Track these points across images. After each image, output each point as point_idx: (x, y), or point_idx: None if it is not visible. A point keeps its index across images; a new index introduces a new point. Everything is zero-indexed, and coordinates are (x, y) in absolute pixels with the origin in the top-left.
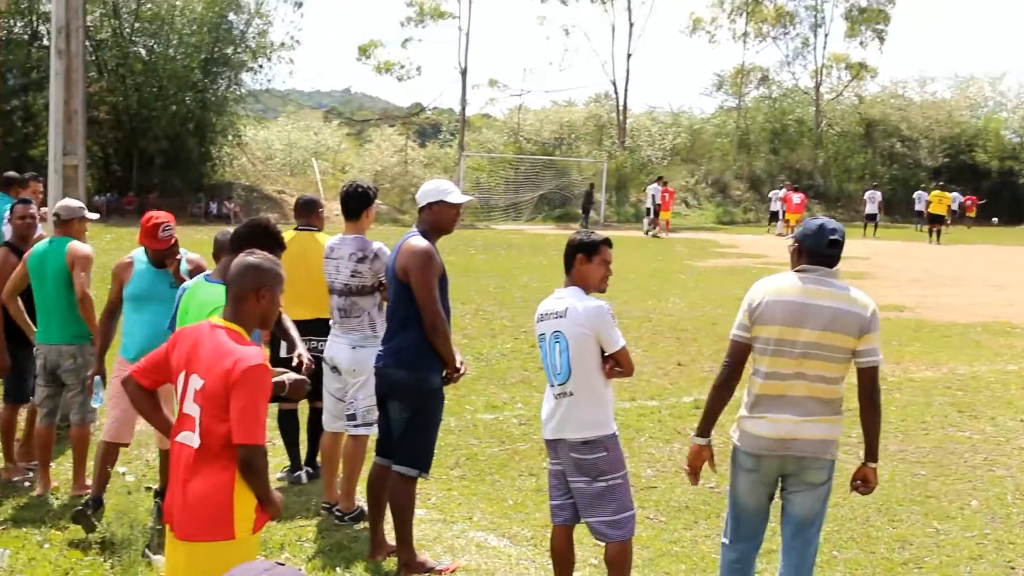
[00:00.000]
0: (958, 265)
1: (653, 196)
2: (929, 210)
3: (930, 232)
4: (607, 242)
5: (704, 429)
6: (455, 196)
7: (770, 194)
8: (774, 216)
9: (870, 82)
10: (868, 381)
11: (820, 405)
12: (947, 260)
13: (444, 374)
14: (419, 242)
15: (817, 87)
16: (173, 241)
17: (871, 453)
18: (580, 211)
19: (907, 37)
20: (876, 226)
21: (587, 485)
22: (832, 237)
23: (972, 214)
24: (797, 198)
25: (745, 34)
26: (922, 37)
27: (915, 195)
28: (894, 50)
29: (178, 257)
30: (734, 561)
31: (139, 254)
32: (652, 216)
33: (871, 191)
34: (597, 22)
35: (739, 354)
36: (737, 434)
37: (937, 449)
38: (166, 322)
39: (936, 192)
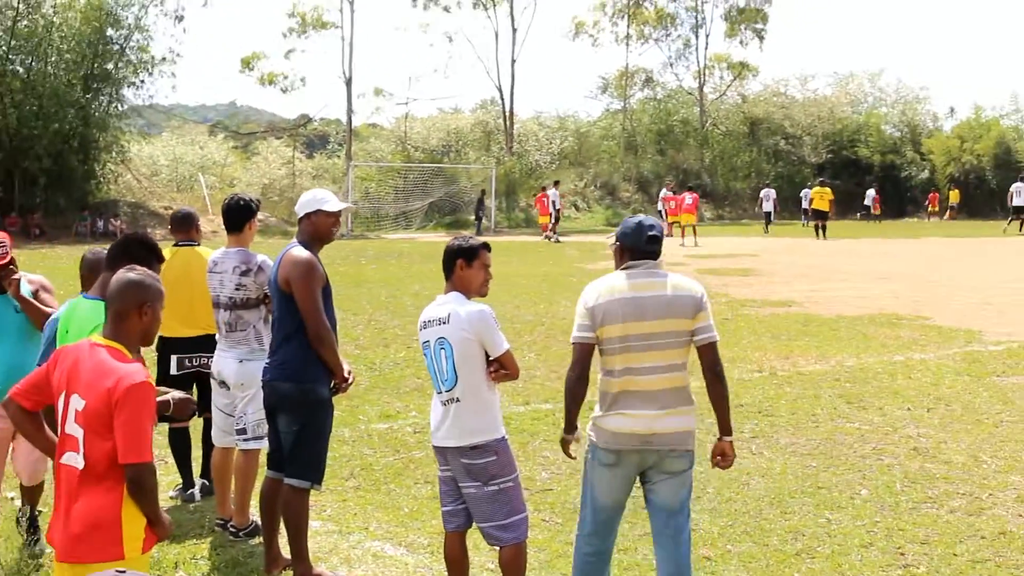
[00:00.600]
0: (845, 259)
1: (553, 202)
2: (812, 206)
3: (816, 228)
4: (486, 246)
5: (570, 426)
6: (331, 204)
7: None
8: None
9: (752, 81)
10: (710, 356)
11: (675, 395)
12: (834, 255)
13: (332, 385)
14: (300, 253)
15: (701, 87)
16: (7, 260)
17: (724, 427)
18: (473, 218)
19: (787, 36)
20: (770, 223)
21: (478, 490)
22: (651, 233)
23: (878, 211)
24: (690, 199)
25: (627, 37)
26: (802, 35)
27: (802, 193)
28: (775, 49)
29: (15, 277)
30: (589, 555)
31: None
32: (554, 221)
33: (766, 189)
34: (480, 28)
35: (585, 356)
36: (595, 433)
37: (827, 441)
38: (15, 353)
39: (817, 188)
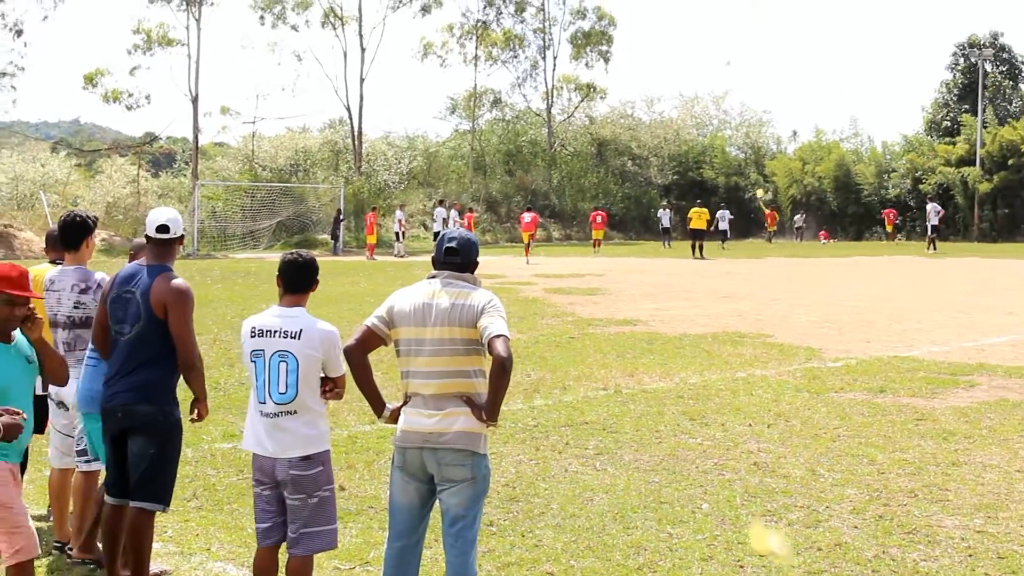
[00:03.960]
0: (691, 278)
1: (444, 219)
2: (690, 226)
3: (692, 245)
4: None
5: (376, 408)
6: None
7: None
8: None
9: (600, 103)
10: (495, 350)
11: (454, 398)
12: (680, 274)
13: (196, 411)
14: (179, 281)
15: (549, 108)
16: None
17: (488, 411)
18: (326, 236)
19: (634, 58)
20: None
21: (303, 502)
22: (449, 245)
23: (773, 229)
24: (528, 217)
25: (476, 58)
26: (648, 58)
27: (659, 214)
28: (622, 71)
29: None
30: (393, 556)
31: None
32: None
33: (721, 211)
34: (329, 47)
35: (367, 335)
36: (395, 434)
37: (670, 456)
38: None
39: (695, 208)
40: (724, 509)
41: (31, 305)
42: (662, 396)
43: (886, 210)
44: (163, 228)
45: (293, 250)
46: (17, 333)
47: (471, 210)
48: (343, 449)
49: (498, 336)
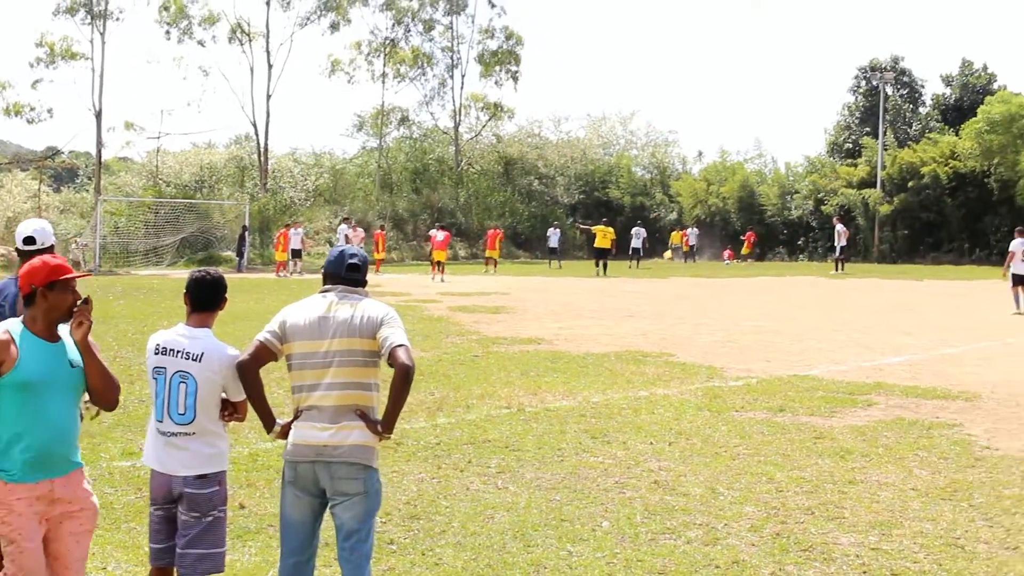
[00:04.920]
0: (595, 297)
1: (346, 236)
2: (595, 244)
3: (596, 264)
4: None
5: (267, 424)
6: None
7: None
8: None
9: (507, 122)
10: (401, 358)
11: (350, 411)
12: (584, 293)
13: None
14: None
15: (456, 127)
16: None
17: (389, 422)
18: (231, 254)
19: (541, 78)
20: (639, 260)
21: (197, 520)
22: (351, 262)
23: (747, 251)
24: (440, 235)
25: (384, 75)
26: (556, 77)
27: (548, 232)
28: (530, 90)
29: (87, 320)
30: (288, 573)
31: None
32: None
33: (636, 228)
34: (236, 63)
35: (261, 351)
36: (285, 450)
37: (571, 475)
38: (66, 415)
39: (600, 227)
40: (624, 527)
41: (78, 293)
42: (565, 415)
43: (748, 232)
44: (29, 240)
45: (201, 268)
46: (66, 335)
47: (381, 228)
48: (244, 467)
49: (400, 346)
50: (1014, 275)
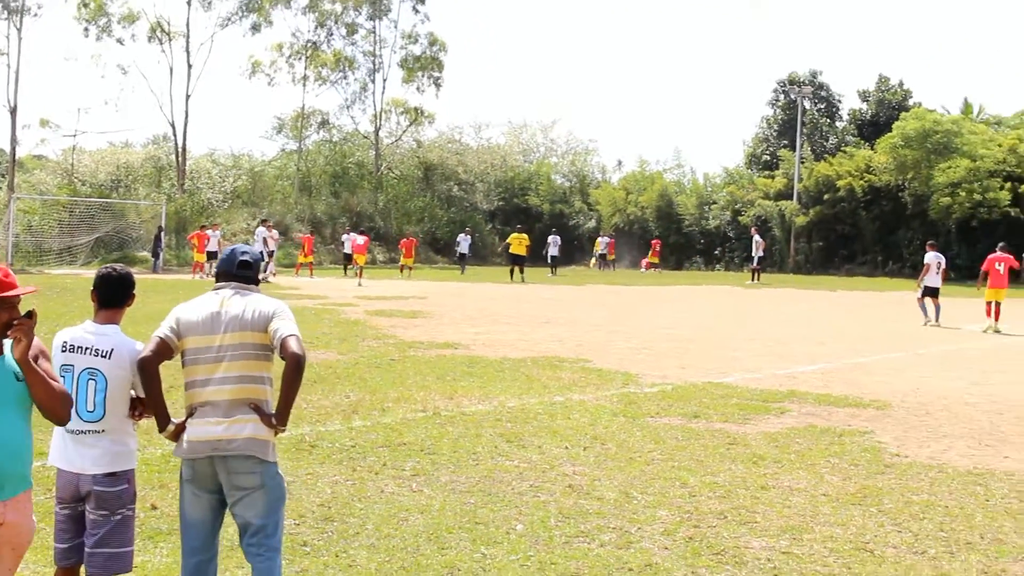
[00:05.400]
0: (512, 303)
1: (264, 238)
2: (511, 251)
3: (512, 270)
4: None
5: (161, 423)
6: None
7: (343, 238)
8: (348, 258)
9: (428, 127)
10: (292, 347)
11: (244, 406)
12: (502, 298)
13: None
14: None
15: (377, 131)
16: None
17: (283, 413)
18: (147, 254)
19: (463, 84)
20: (555, 268)
21: (105, 519)
22: (242, 259)
23: (653, 258)
24: (361, 239)
25: (305, 78)
26: (478, 84)
27: (458, 238)
28: (451, 96)
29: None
30: (190, 572)
31: None
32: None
33: (552, 236)
34: (155, 63)
35: (160, 347)
36: (178, 448)
37: (486, 478)
38: (13, 430)
39: (516, 234)
40: (538, 530)
41: (19, 309)
42: (480, 419)
43: (653, 240)
44: None
45: (108, 264)
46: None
47: (312, 232)
48: (156, 468)
49: (290, 335)
50: (927, 287)
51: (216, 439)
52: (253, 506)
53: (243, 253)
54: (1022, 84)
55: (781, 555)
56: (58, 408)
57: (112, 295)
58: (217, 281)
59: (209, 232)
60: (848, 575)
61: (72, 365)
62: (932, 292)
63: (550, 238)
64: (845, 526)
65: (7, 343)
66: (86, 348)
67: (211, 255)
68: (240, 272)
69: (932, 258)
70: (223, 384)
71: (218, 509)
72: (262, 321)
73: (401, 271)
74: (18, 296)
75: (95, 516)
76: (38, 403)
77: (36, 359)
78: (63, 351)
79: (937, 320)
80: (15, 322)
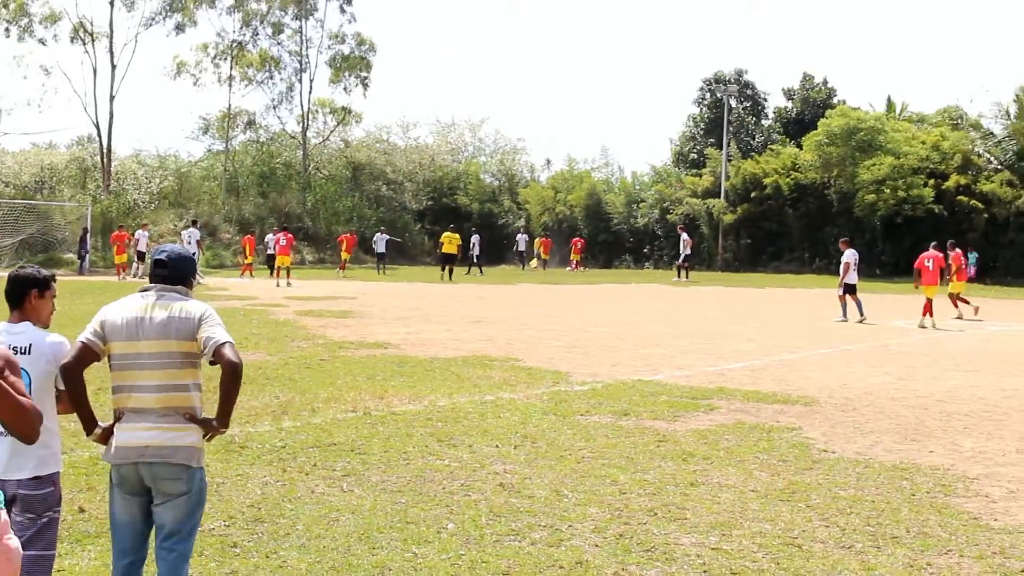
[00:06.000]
0: (443, 302)
1: (198, 240)
2: (442, 250)
3: (442, 269)
4: (54, 278)
5: (88, 427)
6: None
7: (266, 239)
8: (270, 259)
9: (356, 127)
10: (227, 355)
11: (172, 412)
12: (432, 298)
13: None
14: None
15: (304, 131)
16: None
17: (219, 417)
18: (72, 255)
19: (390, 83)
20: (481, 267)
21: (32, 522)
22: (158, 258)
23: (575, 256)
24: (284, 240)
25: (231, 78)
26: (405, 83)
27: (374, 238)
28: (378, 95)
29: None
30: (121, 574)
31: None
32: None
33: (474, 236)
34: (78, 63)
35: (84, 353)
36: (106, 453)
37: (417, 478)
38: None
39: (447, 234)
40: (469, 528)
41: None
42: (411, 418)
43: (575, 239)
44: None
45: (28, 265)
46: None
47: (251, 233)
48: (83, 471)
49: (224, 343)
50: (847, 285)
51: (144, 445)
52: (175, 509)
53: (160, 252)
54: (944, 82)
55: (711, 551)
56: (27, 426)
57: (13, 293)
58: (148, 281)
59: (139, 233)
60: (777, 570)
61: None
62: (852, 289)
63: (472, 238)
64: (774, 522)
65: None
66: (8, 348)
67: (140, 255)
68: (156, 271)
69: (851, 255)
70: (148, 392)
71: (147, 511)
72: (187, 329)
73: (342, 269)
74: None
75: (22, 519)
76: (3, 422)
77: (2, 372)
78: None
79: (862, 315)
80: None
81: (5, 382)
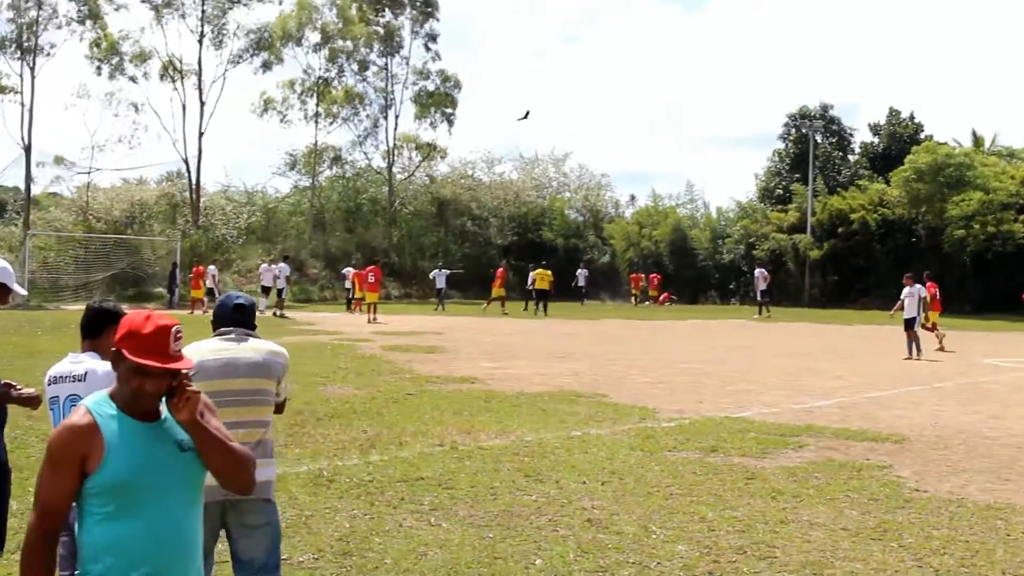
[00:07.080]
0: (528, 338)
1: (287, 276)
2: (535, 286)
3: (537, 305)
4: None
5: None
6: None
7: (343, 271)
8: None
9: (440, 163)
10: (279, 411)
11: (256, 449)
12: (518, 333)
13: None
14: None
15: (389, 167)
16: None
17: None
18: (165, 291)
19: (475, 119)
20: (547, 304)
21: None
22: (237, 302)
23: (654, 292)
24: (372, 276)
25: (317, 115)
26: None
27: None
28: (463, 130)
29: (193, 391)
30: None
31: None
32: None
33: (581, 269)
34: (168, 100)
35: None
36: None
37: (505, 512)
38: (181, 517)
39: (539, 270)
40: (557, 565)
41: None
42: (498, 453)
43: (633, 274)
44: None
45: (104, 300)
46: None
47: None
48: None
49: (286, 401)
50: (909, 319)
51: None
52: (261, 542)
53: (237, 297)
54: None
55: None
56: (242, 473)
57: (91, 325)
58: (217, 327)
59: (210, 268)
60: None
61: (58, 396)
62: (909, 323)
63: (579, 271)
64: (865, 561)
65: (164, 407)
66: (66, 376)
67: (209, 292)
68: (235, 315)
69: (907, 291)
70: (237, 428)
71: (214, 544)
72: (278, 371)
73: (489, 304)
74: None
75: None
76: (215, 471)
77: (202, 416)
78: (49, 384)
79: (919, 352)
80: (179, 391)
81: (208, 426)
